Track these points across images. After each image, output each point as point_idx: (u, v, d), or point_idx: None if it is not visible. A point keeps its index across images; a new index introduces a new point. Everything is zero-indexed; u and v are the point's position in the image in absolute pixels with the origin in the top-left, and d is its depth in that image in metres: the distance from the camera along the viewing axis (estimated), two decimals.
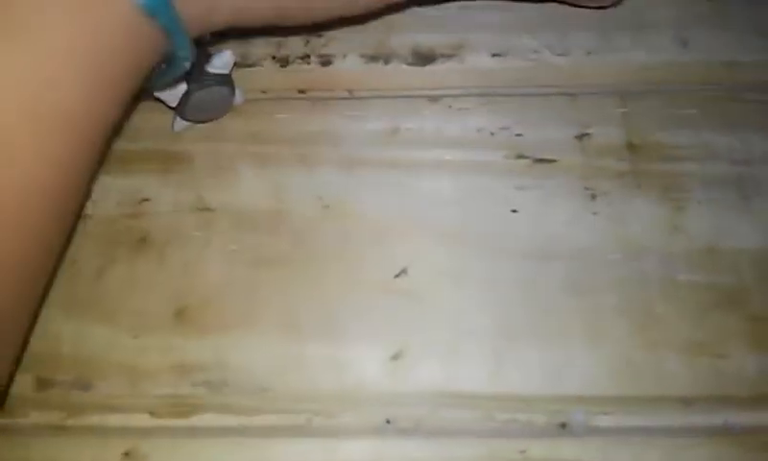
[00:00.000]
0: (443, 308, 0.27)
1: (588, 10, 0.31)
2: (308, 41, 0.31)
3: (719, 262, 0.27)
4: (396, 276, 0.27)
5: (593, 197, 0.28)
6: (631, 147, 0.29)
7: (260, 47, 0.31)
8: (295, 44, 0.31)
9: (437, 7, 0.32)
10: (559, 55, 0.31)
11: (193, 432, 0.26)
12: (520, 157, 0.29)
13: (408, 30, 0.31)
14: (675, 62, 0.31)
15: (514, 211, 0.28)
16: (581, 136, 0.29)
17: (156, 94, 0.30)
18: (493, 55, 0.31)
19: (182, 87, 0.29)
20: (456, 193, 0.28)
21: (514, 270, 0.27)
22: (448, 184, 0.29)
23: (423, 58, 0.31)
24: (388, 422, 0.26)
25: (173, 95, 0.30)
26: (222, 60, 0.30)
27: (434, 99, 0.30)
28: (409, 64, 0.31)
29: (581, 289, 0.27)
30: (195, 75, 0.29)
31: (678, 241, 0.28)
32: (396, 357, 0.26)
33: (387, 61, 0.31)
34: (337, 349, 0.26)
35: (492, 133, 0.29)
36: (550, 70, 0.30)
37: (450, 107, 0.30)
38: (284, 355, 0.26)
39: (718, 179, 0.29)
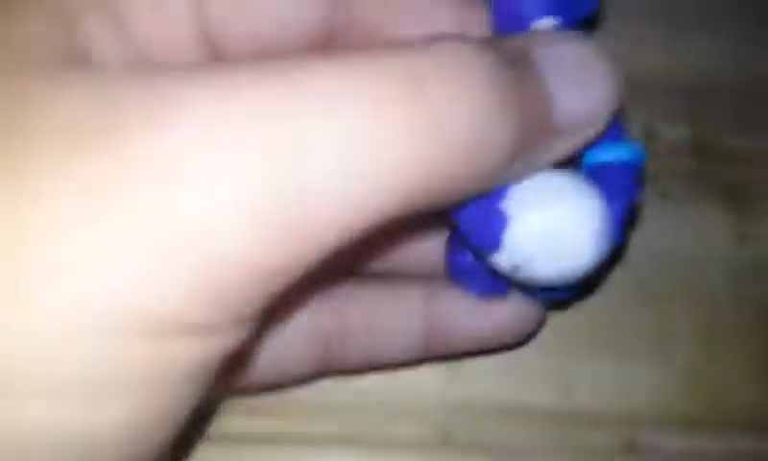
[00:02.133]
0: None
1: (660, 1, 0.29)
2: None
3: None
4: None
5: (662, 199, 0.26)
6: (700, 148, 0.27)
7: None
8: None
9: None
10: (623, 44, 0.28)
11: (222, 438, 0.23)
12: None
13: None
14: (746, 62, 0.29)
15: None
16: (648, 133, 0.27)
17: None
18: None
19: None
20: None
21: None
22: None
23: None
24: (446, 436, 0.23)
25: None
26: None
27: None
28: None
29: (648, 298, 0.25)
30: None
31: (747, 250, 0.26)
32: (452, 366, 0.24)
33: None
34: None
35: None
36: (616, 60, 0.28)
37: None
38: None
39: None
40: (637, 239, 0.26)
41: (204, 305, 0.12)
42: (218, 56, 0.16)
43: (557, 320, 0.25)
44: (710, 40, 0.29)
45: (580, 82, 0.15)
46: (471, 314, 0.21)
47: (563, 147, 0.16)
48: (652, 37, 0.29)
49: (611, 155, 0.17)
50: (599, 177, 0.17)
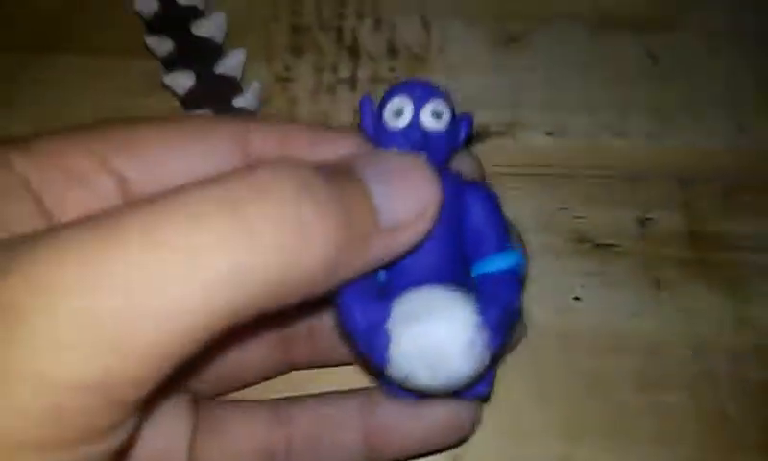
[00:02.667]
0: (503, 405, 0.25)
1: (647, 94, 0.30)
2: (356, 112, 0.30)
3: None
4: None
5: (658, 287, 0.27)
6: (693, 235, 0.28)
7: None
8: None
9: (487, 80, 0.30)
10: (617, 136, 0.30)
11: None
12: (582, 240, 0.28)
13: (460, 105, 0.29)
14: (733, 148, 0.30)
15: (576, 299, 0.27)
16: (642, 221, 0.28)
17: (166, 81, 0.29)
18: (548, 133, 0.30)
19: (190, 79, 0.28)
20: None
21: (578, 364, 0.26)
22: None
23: (477, 134, 0.29)
24: None
25: (181, 85, 0.28)
26: (232, 62, 0.29)
27: (488, 177, 0.28)
28: None
29: (649, 386, 0.26)
30: (204, 71, 0.29)
31: (745, 336, 0.26)
32: (456, 459, 0.24)
33: None
34: None
35: (550, 215, 0.28)
36: (608, 151, 0.29)
37: (505, 186, 0.29)
38: None
39: None
40: (634, 328, 0.26)
41: (52, 427, 0.13)
42: None
43: (555, 405, 0.25)
44: (696, 128, 0.30)
45: (401, 189, 0.17)
46: (405, 421, 0.22)
47: (392, 246, 0.17)
48: (638, 128, 0.30)
49: (492, 266, 0.19)
50: (479, 287, 0.19)
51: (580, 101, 0.30)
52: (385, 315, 0.18)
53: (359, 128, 0.20)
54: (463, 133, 0.20)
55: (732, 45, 0.32)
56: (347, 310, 0.18)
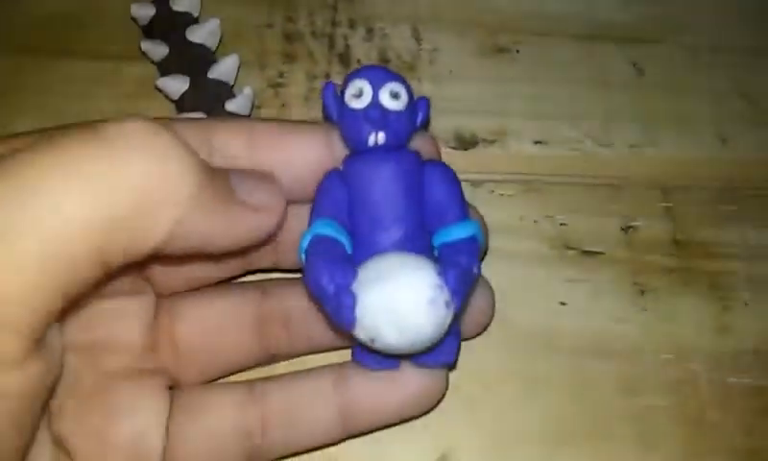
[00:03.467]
0: (489, 408, 0.26)
1: (632, 104, 0.31)
2: None
3: (766, 365, 0.27)
4: None
5: (642, 293, 0.27)
6: (677, 243, 0.28)
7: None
8: None
9: (476, 89, 0.31)
10: (602, 146, 0.30)
11: None
12: (567, 247, 0.28)
13: (449, 113, 0.30)
14: (715, 159, 0.30)
15: (562, 304, 0.27)
16: (626, 229, 0.29)
17: (159, 85, 0.29)
18: (536, 142, 0.30)
19: (184, 83, 0.29)
20: (501, 283, 0.27)
21: (563, 367, 0.26)
22: (492, 273, 0.27)
23: (465, 141, 0.30)
24: None
25: (174, 89, 0.29)
26: (225, 67, 0.29)
27: (476, 184, 0.29)
28: (451, 147, 0.30)
29: (632, 390, 0.26)
30: (197, 75, 0.29)
31: (726, 342, 0.27)
32: (441, 459, 0.25)
33: None
34: (378, 450, 0.25)
35: (536, 221, 0.29)
36: (593, 160, 0.30)
37: (492, 192, 0.29)
38: (316, 456, 0.24)
39: (763, 279, 0.28)
40: (618, 334, 0.27)
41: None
42: None
43: (540, 409, 0.25)
44: (680, 139, 0.31)
45: (255, 185, 0.20)
46: (378, 392, 0.22)
47: (245, 221, 0.19)
48: (623, 137, 0.30)
49: (452, 234, 0.20)
50: (440, 255, 0.20)
51: (566, 111, 0.31)
52: (351, 278, 0.19)
53: (323, 111, 0.21)
54: (421, 115, 0.21)
55: (715, 59, 0.32)
56: (314, 275, 0.19)
